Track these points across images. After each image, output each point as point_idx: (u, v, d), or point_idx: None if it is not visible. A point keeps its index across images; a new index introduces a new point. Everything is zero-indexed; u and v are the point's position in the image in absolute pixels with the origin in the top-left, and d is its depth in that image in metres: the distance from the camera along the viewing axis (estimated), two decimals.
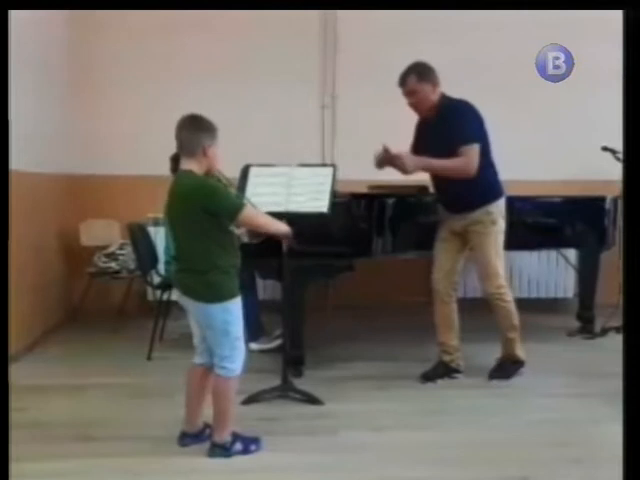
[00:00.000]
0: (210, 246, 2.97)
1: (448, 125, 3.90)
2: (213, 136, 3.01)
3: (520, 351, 4.23)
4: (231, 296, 3.00)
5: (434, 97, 3.99)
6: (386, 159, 4.01)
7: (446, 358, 4.23)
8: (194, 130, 2.98)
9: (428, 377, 4.17)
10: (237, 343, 3.03)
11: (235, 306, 3.01)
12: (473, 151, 3.89)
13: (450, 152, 3.87)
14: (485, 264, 4.09)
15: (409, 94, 4.01)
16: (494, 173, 4.09)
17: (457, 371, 4.23)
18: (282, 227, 3.22)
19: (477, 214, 4.04)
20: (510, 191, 4.24)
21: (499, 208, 4.09)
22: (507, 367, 4.22)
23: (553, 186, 4.77)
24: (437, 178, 4.12)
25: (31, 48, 4.75)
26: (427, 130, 4.01)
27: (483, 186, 4.01)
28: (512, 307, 4.16)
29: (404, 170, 3.89)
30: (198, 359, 3.17)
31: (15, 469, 2.68)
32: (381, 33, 5.87)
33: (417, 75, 3.97)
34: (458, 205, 4.07)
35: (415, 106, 4.04)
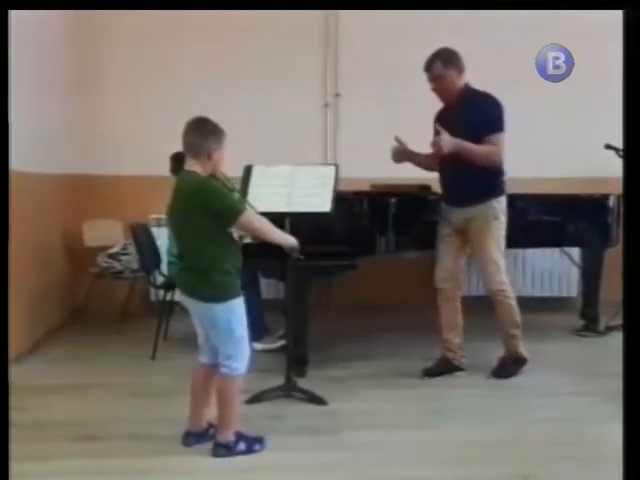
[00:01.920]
0: (211, 246, 2.98)
1: (475, 113, 3.94)
2: (219, 140, 3.03)
3: (522, 348, 4.22)
4: (234, 296, 3.01)
5: (459, 83, 4.03)
6: (402, 152, 4.13)
7: (449, 355, 4.24)
8: (200, 134, 3.00)
9: (429, 373, 4.18)
10: (241, 342, 3.04)
11: (238, 306, 3.03)
12: (502, 140, 3.96)
13: (474, 139, 3.91)
14: (486, 260, 4.09)
15: (434, 80, 4.03)
16: (502, 169, 4.12)
17: (459, 369, 4.23)
18: (289, 239, 3.22)
19: (480, 208, 4.05)
20: (511, 189, 4.24)
21: (501, 204, 4.11)
22: (510, 365, 4.22)
23: (553, 183, 4.77)
24: (447, 167, 4.12)
25: (34, 49, 4.75)
26: (450, 117, 4.01)
27: (492, 179, 4.06)
28: (514, 303, 4.16)
29: (438, 149, 3.91)
30: (202, 358, 3.18)
31: (18, 469, 2.69)
32: (383, 32, 5.88)
33: (443, 61, 3.99)
34: (464, 196, 4.07)
35: (439, 92, 4.07)
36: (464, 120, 3.93)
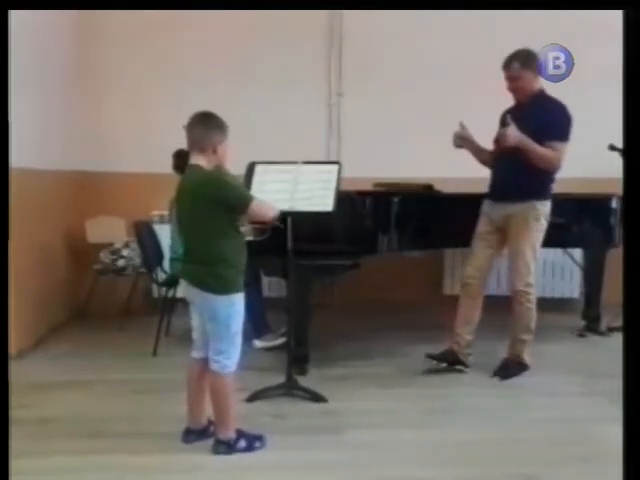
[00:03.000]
0: (218, 240, 3.00)
1: (543, 117, 3.98)
2: (223, 133, 3.06)
3: (527, 355, 4.21)
4: (236, 290, 3.03)
5: (535, 86, 4.08)
6: (464, 139, 4.17)
7: (456, 347, 4.24)
8: (205, 127, 3.03)
9: (433, 357, 4.18)
10: (235, 339, 3.06)
11: (239, 301, 3.04)
12: (564, 149, 4.02)
13: (537, 142, 3.94)
14: (518, 259, 4.09)
15: (511, 79, 4.07)
16: (553, 176, 4.15)
17: (463, 364, 4.23)
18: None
19: (523, 206, 4.06)
20: None
21: (545, 208, 4.12)
22: (511, 367, 4.20)
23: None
24: (501, 163, 4.13)
25: (36, 48, 4.76)
26: (518, 116, 4.01)
27: (540, 182, 4.09)
28: (534, 309, 4.16)
29: (504, 140, 3.95)
30: (196, 353, 3.18)
31: (20, 465, 2.70)
32: (386, 32, 5.88)
33: (520, 62, 4.03)
34: (509, 191, 4.07)
35: (514, 91, 4.11)
36: (531, 122, 3.95)
